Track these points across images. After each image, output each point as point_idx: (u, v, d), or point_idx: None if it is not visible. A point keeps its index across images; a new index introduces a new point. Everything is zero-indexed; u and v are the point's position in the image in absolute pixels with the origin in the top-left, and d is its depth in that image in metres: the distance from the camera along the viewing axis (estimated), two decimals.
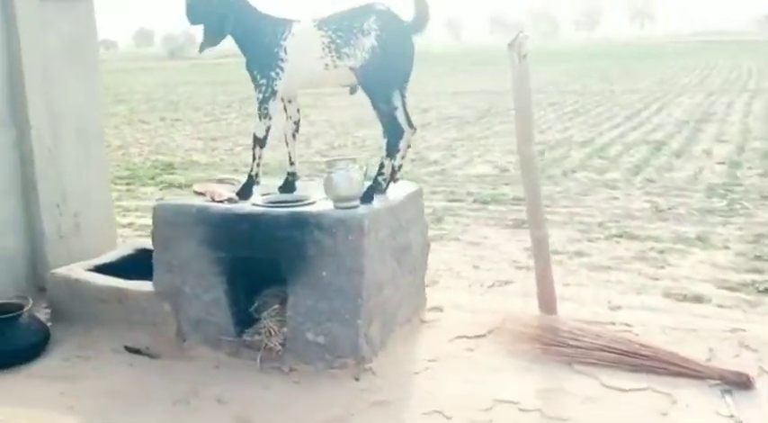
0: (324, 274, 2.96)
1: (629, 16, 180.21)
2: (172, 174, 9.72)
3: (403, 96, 3.30)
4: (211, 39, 3.31)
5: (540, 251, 3.51)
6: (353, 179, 3.07)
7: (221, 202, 3.30)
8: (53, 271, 3.65)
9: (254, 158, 3.49)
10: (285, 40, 3.27)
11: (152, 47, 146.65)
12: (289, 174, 3.59)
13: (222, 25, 3.27)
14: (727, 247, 5.64)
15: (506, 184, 8.32)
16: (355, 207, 3.05)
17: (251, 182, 3.48)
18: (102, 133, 4.30)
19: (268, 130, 3.39)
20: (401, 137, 3.26)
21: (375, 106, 3.24)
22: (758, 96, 17.56)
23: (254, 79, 3.36)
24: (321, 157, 10.46)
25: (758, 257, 5.35)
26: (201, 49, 3.37)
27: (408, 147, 3.36)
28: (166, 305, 3.37)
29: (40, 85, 3.81)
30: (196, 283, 3.22)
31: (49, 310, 3.85)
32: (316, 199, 3.23)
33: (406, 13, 3.23)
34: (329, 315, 3.05)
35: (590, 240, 5.97)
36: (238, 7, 3.31)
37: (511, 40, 3.28)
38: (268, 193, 3.45)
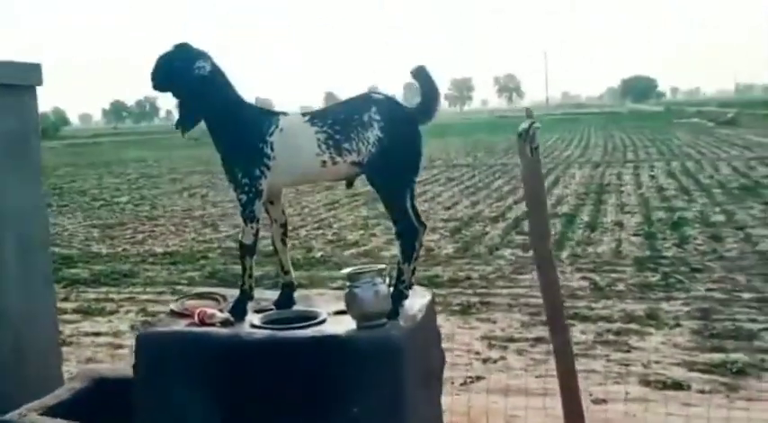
0: (355, 410, 2.54)
1: (497, 90, 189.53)
2: (73, 268, 8.94)
3: (412, 191, 2.98)
4: (186, 119, 2.92)
5: (564, 360, 3.23)
6: (381, 293, 2.70)
7: (212, 325, 2.83)
8: (2, 418, 2.98)
9: (244, 270, 3.02)
10: (271, 135, 2.92)
11: None
12: (284, 285, 3.15)
13: (196, 105, 2.90)
14: (679, 325, 5.63)
15: (437, 265, 8.13)
16: (382, 325, 2.68)
17: (245, 297, 3.02)
18: (47, 241, 3.71)
19: (257, 234, 2.97)
20: (416, 237, 2.95)
21: (386, 204, 2.92)
22: (641, 168, 18.47)
23: (233, 178, 2.96)
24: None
25: (714, 335, 5.35)
26: (183, 131, 2.95)
27: (420, 246, 3.05)
28: None
29: None
30: None
31: None
32: (323, 315, 2.83)
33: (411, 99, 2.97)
34: None
35: (544, 324, 5.80)
36: (216, 87, 2.93)
37: (521, 130, 3.07)
38: (263, 310, 3.00)
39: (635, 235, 9.42)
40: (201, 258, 9.24)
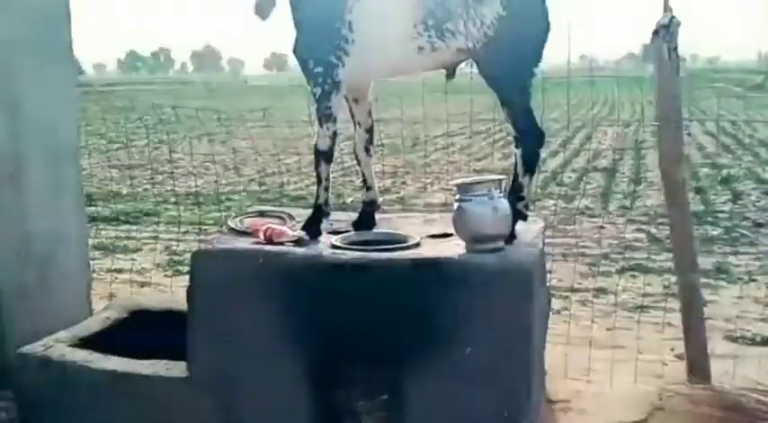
0: (468, 351, 2.09)
1: None
2: (92, 205, 8.51)
3: (530, 85, 2.46)
4: None
5: (692, 301, 2.80)
6: (500, 210, 2.21)
7: (281, 244, 2.36)
8: (22, 350, 2.51)
9: (319, 181, 2.52)
10: (351, 11, 2.38)
11: None
12: (365, 203, 2.68)
13: None
14: (754, 280, 5.17)
15: None
16: (499, 249, 2.20)
17: (320, 214, 2.52)
18: (78, 152, 3.25)
19: (334, 137, 2.48)
20: (541, 142, 2.46)
21: (504, 101, 2.42)
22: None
23: (304, 68, 2.44)
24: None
25: None
26: (262, 14, 2.45)
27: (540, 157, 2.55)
28: (208, 399, 2.29)
29: None
30: (258, 365, 2.21)
31: (13, 409, 2.62)
32: (416, 238, 2.34)
33: None
34: (477, 414, 2.09)
35: (604, 275, 5.37)
36: None
37: (659, 24, 2.55)
38: (339, 231, 2.52)
39: None
40: (226, 200, 8.82)
